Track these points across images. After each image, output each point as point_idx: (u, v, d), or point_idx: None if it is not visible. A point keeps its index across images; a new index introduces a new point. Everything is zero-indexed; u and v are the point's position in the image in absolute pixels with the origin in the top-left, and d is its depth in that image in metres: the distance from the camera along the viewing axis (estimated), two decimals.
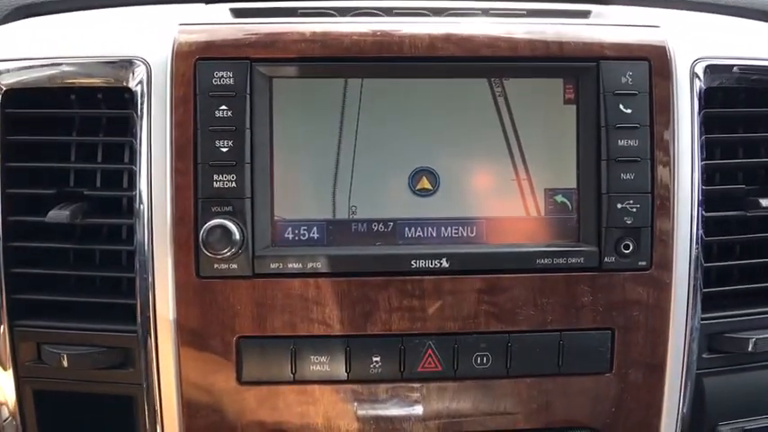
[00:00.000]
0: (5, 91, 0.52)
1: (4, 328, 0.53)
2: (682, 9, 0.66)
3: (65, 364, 0.52)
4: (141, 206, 0.51)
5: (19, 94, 0.52)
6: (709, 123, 0.55)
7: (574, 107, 0.52)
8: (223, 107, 0.50)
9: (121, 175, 0.54)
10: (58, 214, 0.51)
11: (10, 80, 0.52)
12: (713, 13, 0.66)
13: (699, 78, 0.54)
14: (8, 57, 0.53)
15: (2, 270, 0.53)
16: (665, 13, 0.63)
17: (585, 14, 0.61)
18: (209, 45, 0.50)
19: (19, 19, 0.61)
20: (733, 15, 0.67)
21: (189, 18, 0.53)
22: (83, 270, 0.54)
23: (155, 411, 0.52)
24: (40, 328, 0.53)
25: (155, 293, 0.51)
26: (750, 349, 0.55)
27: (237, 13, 0.59)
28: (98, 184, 0.54)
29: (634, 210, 0.51)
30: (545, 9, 0.61)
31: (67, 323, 0.53)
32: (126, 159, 0.53)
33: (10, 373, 0.54)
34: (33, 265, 0.53)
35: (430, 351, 0.51)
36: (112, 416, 0.56)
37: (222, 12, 0.60)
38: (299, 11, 0.59)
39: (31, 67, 0.52)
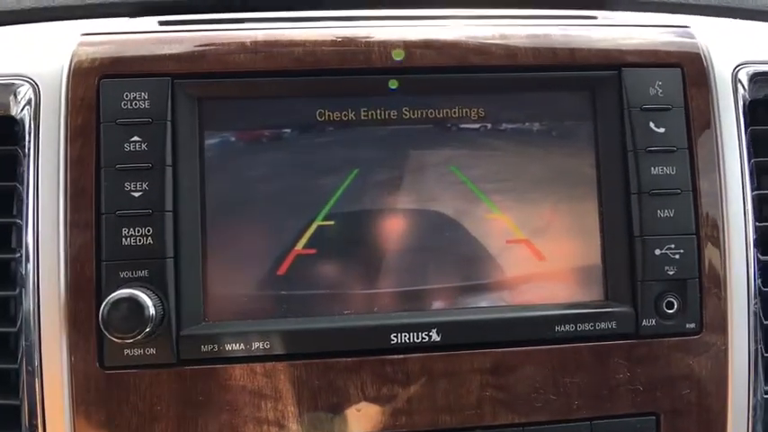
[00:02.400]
0: None
1: None
2: (699, 14, 0.56)
3: None
4: (27, 271, 0.38)
5: None
6: (757, 143, 0.45)
7: (591, 123, 0.42)
8: (135, 138, 0.38)
9: (9, 231, 0.41)
10: None
11: None
12: (737, 18, 0.57)
13: (743, 87, 0.43)
14: None
15: None
16: (685, 19, 0.54)
17: (592, 19, 0.51)
18: (117, 59, 0.39)
19: None
20: (751, 19, 0.58)
21: (93, 29, 0.42)
22: None
23: None
24: None
25: (43, 391, 0.38)
26: None
27: (166, 24, 0.47)
28: None
29: (677, 256, 0.40)
30: (545, 14, 0.50)
31: None
32: (14, 211, 0.41)
33: None
34: None
35: None
36: None
37: (148, 23, 0.48)
38: (244, 20, 0.48)
39: None
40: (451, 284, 0.40)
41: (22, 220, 0.39)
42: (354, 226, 0.40)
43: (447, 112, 0.42)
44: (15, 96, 0.40)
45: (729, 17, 0.54)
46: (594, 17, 0.51)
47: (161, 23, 0.48)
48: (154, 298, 0.37)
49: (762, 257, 0.44)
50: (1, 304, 0.42)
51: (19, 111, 0.40)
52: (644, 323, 0.41)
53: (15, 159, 0.41)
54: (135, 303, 0.36)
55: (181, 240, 0.38)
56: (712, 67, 0.43)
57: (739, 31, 0.52)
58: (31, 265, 0.39)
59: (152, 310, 0.36)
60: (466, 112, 0.42)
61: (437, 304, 0.40)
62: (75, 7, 0.51)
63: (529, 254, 0.41)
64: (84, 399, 0.38)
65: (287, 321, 0.39)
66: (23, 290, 0.39)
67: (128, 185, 0.38)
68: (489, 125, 0.42)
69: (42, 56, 0.41)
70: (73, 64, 0.39)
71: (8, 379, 0.41)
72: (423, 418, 0.39)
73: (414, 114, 0.41)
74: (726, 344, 0.42)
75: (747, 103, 0.45)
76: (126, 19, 0.51)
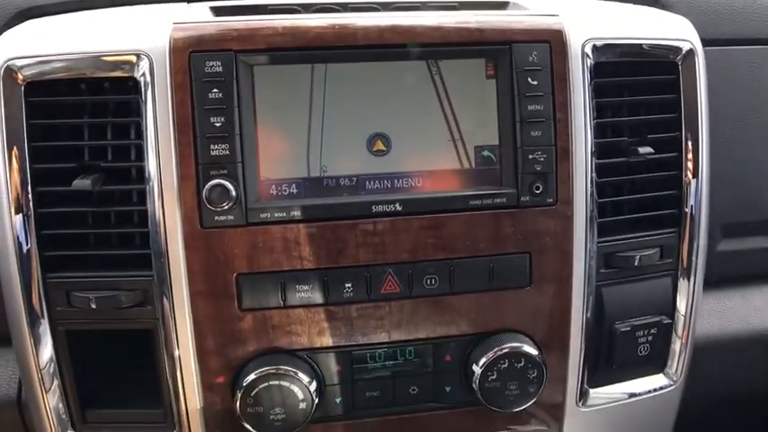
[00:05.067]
0: (28, 83, 0.62)
1: (37, 281, 0.64)
2: None
3: (93, 306, 0.64)
4: (152, 172, 0.62)
5: (38, 86, 0.63)
6: (601, 90, 0.70)
7: (494, 81, 0.66)
8: (215, 90, 0.61)
9: (129, 150, 0.65)
10: (82, 183, 0.62)
11: (30, 73, 0.62)
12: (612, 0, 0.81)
13: (588, 56, 0.68)
14: (26, 54, 0.63)
15: (34, 232, 0.63)
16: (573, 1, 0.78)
17: (505, 5, 0.75)
18: (200, 40, 0.62)
19: (21, 22, 0.70)
20: (627, 2, 0.82)
21: (178, 17, 0.64)
22: (102, 229, 0.65)
23: (171, 340, 0.65)
24: (68, 279, 0.64)
25: (167, 243, 0.63)
26: (636, 264, 0.71)
27: (216, 10, 0.70)
28: (110, 157, 0.65)
29: (542, 159, 0.66)
30: (471, 1, 0.74)
31: (92, 273, 0.65)
32: (133, 136, 0.64)
33: (45, 318, 0.65)
34: (60, 227, 0.64)
35: (390, 277, 0.65)
36: (136, 348, 0.68)
37: (203, 9, 0.71)
38: (269, 7, 0.70)
39: (48, 62, 0.62)
40: (410, 170, 0.65)
41: (144, 141, 0.63)
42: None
43: None
44: (138, 65, 0.62)
45: None
46: (507, 2, 0.75)
47: (213, 9, 0.70)
48: (232, 185, 0.61)
49: (597, 161, 0.70)
50: (128, 197, 0.66)
51: (139, 74, 0.63)
52: (522, 199, 0.65)
53: (131, 105, 0.64)
54: (223, 187, 0.61)
55: (245, 152, 0.62)
56: (569, 42, 0.66)
57: (597, 12, 0.76)
58: (154, 167, 0.63)
59: (233, 192, 0.61)
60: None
61: (400, 184, 0.65)
62: None
63: (460, 156, 0.66)
64: (191, 246, 0.62)
65: (310, 200, 0.63)
66: (150, 184, 0.63)
67: (212, 119, 0.61)
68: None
69: (148, 36, 0.63)
70: (172, 43, 0.61)
71: (134, 242, 0.66)
72: (391, 256, 0.64)
73: None
74: (571, 211, 0.68)
75: (593, 65, 0.70)
76: (185, 4, 0.74)
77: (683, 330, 0.76)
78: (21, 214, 0.63)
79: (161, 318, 0.64)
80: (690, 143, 0.73)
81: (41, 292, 0.64)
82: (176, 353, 0.65)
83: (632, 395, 0.77)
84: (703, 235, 0.74)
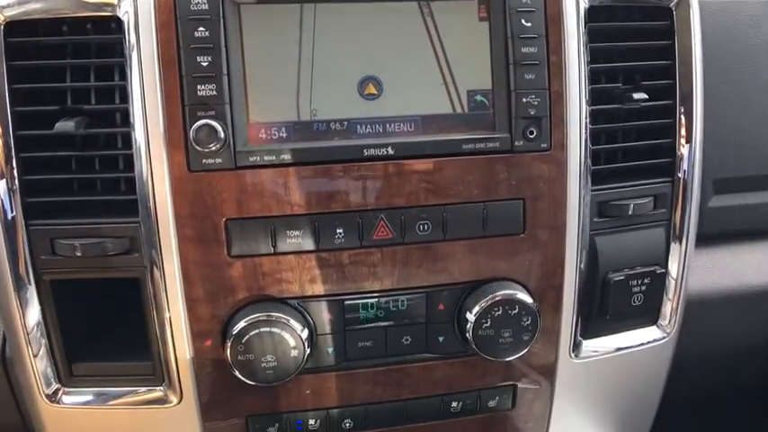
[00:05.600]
0: (7, 22, 0.60)
1: (21, 228, 0.63)
2: None
3: (78, 253, 0.62)
4: (137, 115, 0.61)
5: (18, 26, 0.61)
6: (595, 35, 0.69)
7: (487, 23, 0.65)
8: (201, 29, 0.60)
9: (114, 93, 0.63)
10: (65, 125, 0.60)
11: (11, 13, 0.60)
12: None
13: None
14: None
15: (16, 178, 0.62)
16: None
17: None
18: None
19: None
20: None
21: None
22: (87, 174, 0.63)
23: (159, 288, 0.64)
24: (52, 226, 0.63)
25: (153, 188, 0.61)
26: (630, 213, 0.71)
27: None
28: (93, 100, 0.63)
29: (536, 103, 0.65)
30: None
31: (76, 220, 0.63)
32: (117, 78, 0.63)
33: (29, 267, 0.63)
34: (43, 172, 0.63)
35: (382, 222, 0.64)
36: (123, 300, 0.67)
37: None
38: None
39: (28, 1, 0.60)
40: (402, 114, 0.64)
41: (128, 83, 0.61)
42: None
43: None
44: (120, 5, 0.60)
45: None
46: None
47: None
48: (221, 125, 0.60)
49: (591, 107, 0.69)
50: (113, 141, 0.64)
51: (123, 14, 0.60)
52: (516, 144, 0.65)
53: (115, 47, 0.62)
54: (211, 127, 0.59)
55: (233, 93, 0.60)
56: None
57: None
58: (139, 110, 0.61)
59: (221, 134, 0.60)
60: None
61: (391, 129, 0.64)
62: None
63: (453, 100, 0.65)
64: (178, 191, 0.61)
65: (300, 144, 0.62)
66: (134, 126, 0.61)
67: (198, 58, 0.59)
68: None
69: None
70: None
71: (119, 188, 0.64)
72: (383, 201, 0.63)
73: None
74: (565, 158, 0.67)
75: (586, 8, 0.68)
76: None
77: (676, 281, 0.76)
78: (2, 159, 0.61)
79: (149, 265, 0.63)
80: (683, 91, 0.72)
81: (25, 240, 0.63)
82: (164, 301, 0.64)
83: (625, 348, 0.77)
84: (696, 185, 0.74)
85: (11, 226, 0.62)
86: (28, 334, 0.65)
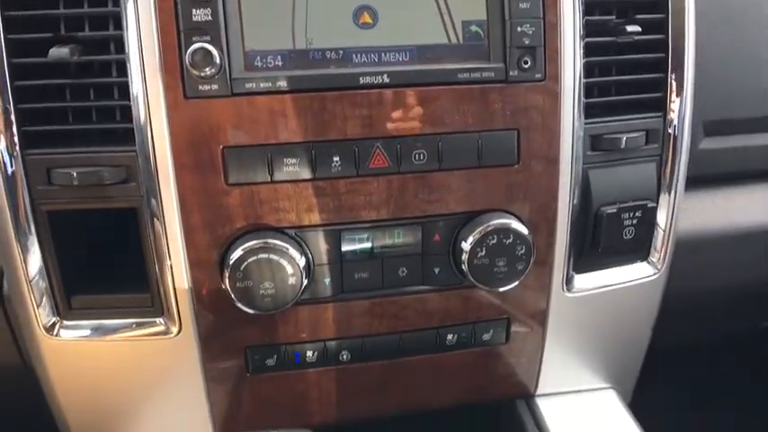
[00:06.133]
0: None
1: (17, 158, 0.62)
2: None
3: (75, 182, 0.62)
4: (131, 41, 0.60)
5: None
6: None
7: None
8: None
9: (107, 20, 0.63)
10: (59, 52, 0.60)
11: None
12: None
13: None
14: None
15: (11, 106, 0.61)
16: None
17: None
18: None
19: None
20: None
21: None
22: (82, 102, 0.63)
23: (156, 217, 0.64)
24: (48, 155, 0.63)
25: (149, 115, 0.61)
26: (622, 147, 0.72)
27: None
28: (87, 28, 0.62)
29: (530, 32, 0.65)
30: None
31: (73, 149, 0.63)
32: (110, 5, 0.62)
33: (26, 198, 0.63)
34: (38, 101, 0.62)
35: (378, 151, 0.65)
36: (121, 233, 0.67)
37: None
38: None
39: None
40: (398, 44, 0.64)
41: (122, 8, 0.60)
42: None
43: None
44: None
45: None
46: None
47: None
48: (217, 50, 0.60)
49: (583, 39, 0.69)
50: (108, 69, 0.64)
51: None
52: (510, 73, 0.65)
53: None
54: (206, 51, 0.59)
55: (228, 19, 0.60)
56: None
57: None
58: (134, 36, 0.60)
59: (217, 58, 0.59)
60: None
61: (387, 58, 0.64)
62: None
63: (448, 31, 0.65)
64: (175, 118, 0.61)
65: (295, 71, 0.63)
66: (130, 54, 0.61)
67: None
68: None
69: None
70: None
71: (114, 116, 0.64)
72: (379, 129, 0.64)
73: None
74: (559, 88, 0.68)
75: None
76: None
77: (667, 217, 0.77)
78: None
79: (146, 194, 0.63)
80: (676, 25, 0.72)
81: (21, 170, 0.63)
82: (162, 231, 0.64)
83: (617, 283, 0.78)
84: (687, 120, 0.75)
85: (6, 156, 0.62)
86: (26, 267, 0.66)
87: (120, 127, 0.63)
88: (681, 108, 0.74)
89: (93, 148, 0.63)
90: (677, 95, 0.74)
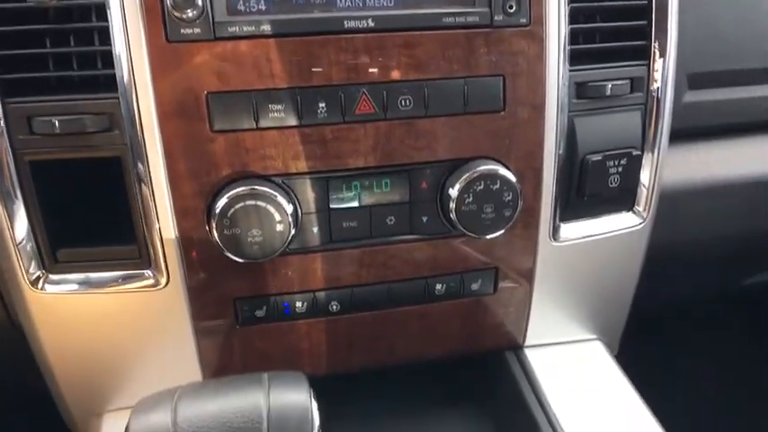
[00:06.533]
0: None
1: None
2: None
3: (57, 130, 0.61)
4: None
5: None
6: None
7: None
8: None
9: None
10: None
11: None
12: None
13: None
14: None
15: None
16: None
17: None
18: None
19: None
20: None
21: None
22: (62, 48, 0.62)
23: (141, 166, 0.63)
24: (29, 103, 0.62)
25: (131, 61, 0.61)
26: (608, 94, 0.72)
27: None
28: None
29: None
30: None
31: (54, 96, 0.62)
32: None
33: (8, 148, 0.62)
34: (17, 47, 0.61)
35: (364, 97, 0.65)
36: (104, 179, 0.66)
37: None
38: None
39: None
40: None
41: None
42: None
43: None
44: None
45: None
46: None
47: None
48: None
49: None
50: (96, 11, 0.62)
51: None
52: (495, 18, 0.65)
53: None
54: None
55: None
56: None
57: None
58: None
59: (200, 0, 0.59)
60: None
61: (371, 3, 0.63)
62: None
63: None
64: (157, 62, 0.60)
65: (279, 15, 0.61)
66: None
67: None
68: None
69: None
70: None
71: (96, 63, 0.63)
72: (365, 75, 0.63)
73: None
74: (545, 34, 0.68)
75: None
76: None
77: (651, 165, 0.78)
78: None
79: (129, 142, 0.63)
80: None
81: (2, 120, 0.61)
82: (147, 180, 0.63)
83: (602, 233, 0.79)
84: (672, 68, 0.75)
85: None
86: (10, 219, 0.65)
87: (101, 73, 0.62)
88: (665, 56, 0.75)
89: (75, 96, 0.62)
90: (661, 43, 0.74)
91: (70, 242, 0.68)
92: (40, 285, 0.68)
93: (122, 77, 0.61)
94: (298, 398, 0.51)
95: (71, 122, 0.61)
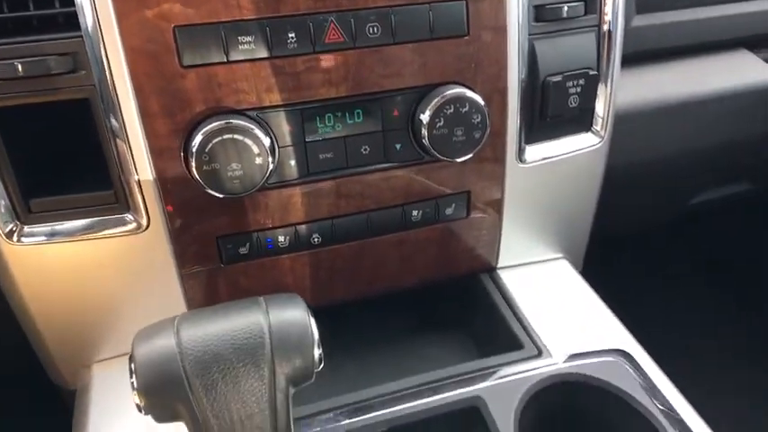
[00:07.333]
0: None
1: None
2: None
3: (19, 73, 0.59)
4: None
5: None
6: None
7: None
8: None
9: None
10: None
11: None
12: None
13: None
14: None
15: None
16: None
17: None
18: None
19: None
20: None
21: None
22: None
23: (111, 106, 0.63)
24: None
25: None
26: (564, 16, 0.75)
27: None
28: None
29: None
30: None
31: (14, 38, 0.60)
32: None
33: None
34: None
35: (332, 25, 0.65)
36: (74, 124, 0.65)
37: None
38: None
39: None
40: None
41: None
42: None
43: None
44: None
45: None
46: None
47: None
48: None
49: None
50: None
51: None
52: None
53: None
54: None
55: None
56: None
57: None
58: None
59: None
60: None
61: None
62: None
63: None
64: None
65: None
66: None
67: None
68: None
69: None
70: None
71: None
72: (332, 2, 0.64)
73: None
74: None
75: None
76: None
77: (606, 85, 0.82)
78: None
79: (97, 83, 0.62)
80: None
81: None
82: (120, 121, 0.63)
83: (564, 153, 0.83)
84: None
85: None
86: None
87: (61, 12, 0.60)
88: None
89: (37, 37, 0.60)
90: None
91: (44, 191, 0.67)
92: (15, 238, 0.67)
93: (84, 15, 0.59)
94: (296, 314, 0.53)
95: (34, 65, 0.59)
